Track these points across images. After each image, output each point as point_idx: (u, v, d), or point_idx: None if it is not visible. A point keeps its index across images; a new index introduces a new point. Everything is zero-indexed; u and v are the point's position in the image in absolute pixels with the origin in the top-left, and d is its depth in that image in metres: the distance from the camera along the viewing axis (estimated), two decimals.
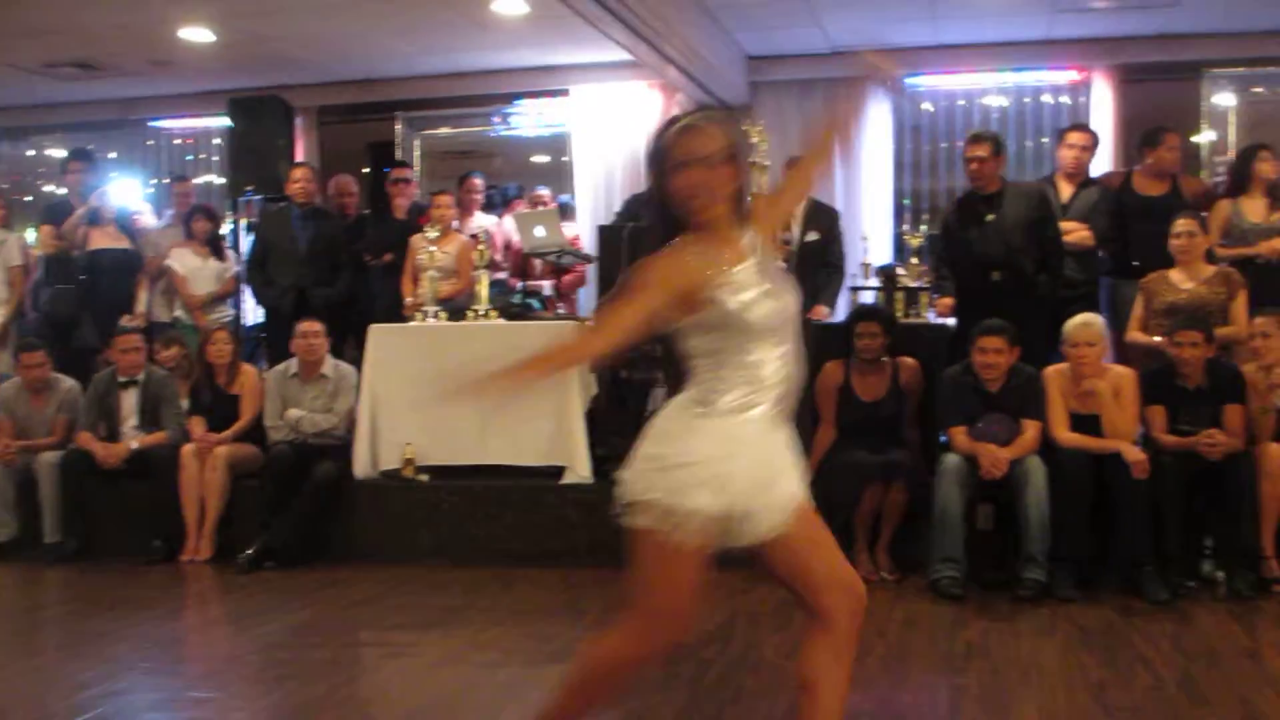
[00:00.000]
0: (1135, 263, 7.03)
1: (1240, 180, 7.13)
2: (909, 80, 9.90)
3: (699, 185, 2.66)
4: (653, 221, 2.80)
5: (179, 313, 8.46)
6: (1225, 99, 9.63)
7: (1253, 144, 7.43)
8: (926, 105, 10.12)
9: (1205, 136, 9.56)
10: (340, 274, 7.97)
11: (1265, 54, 9.30)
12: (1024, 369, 5.98)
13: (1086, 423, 5.89)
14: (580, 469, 6.61)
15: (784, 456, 2.81)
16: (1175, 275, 6.57)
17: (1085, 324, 5.95)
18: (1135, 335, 6.66)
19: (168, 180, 10.14)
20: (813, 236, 7.60)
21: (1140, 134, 7.58)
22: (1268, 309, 6.09)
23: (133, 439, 7.02)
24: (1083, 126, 7.82)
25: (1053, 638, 4.99)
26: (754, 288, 2.69)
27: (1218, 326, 6.17)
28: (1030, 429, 5.88)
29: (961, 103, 10.01)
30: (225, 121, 9.48)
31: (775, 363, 2.75)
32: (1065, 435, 5.87)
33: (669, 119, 2.79)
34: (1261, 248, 6.81)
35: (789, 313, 2.77)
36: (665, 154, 2.69)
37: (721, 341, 2.73)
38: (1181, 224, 6.55)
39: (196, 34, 8.99)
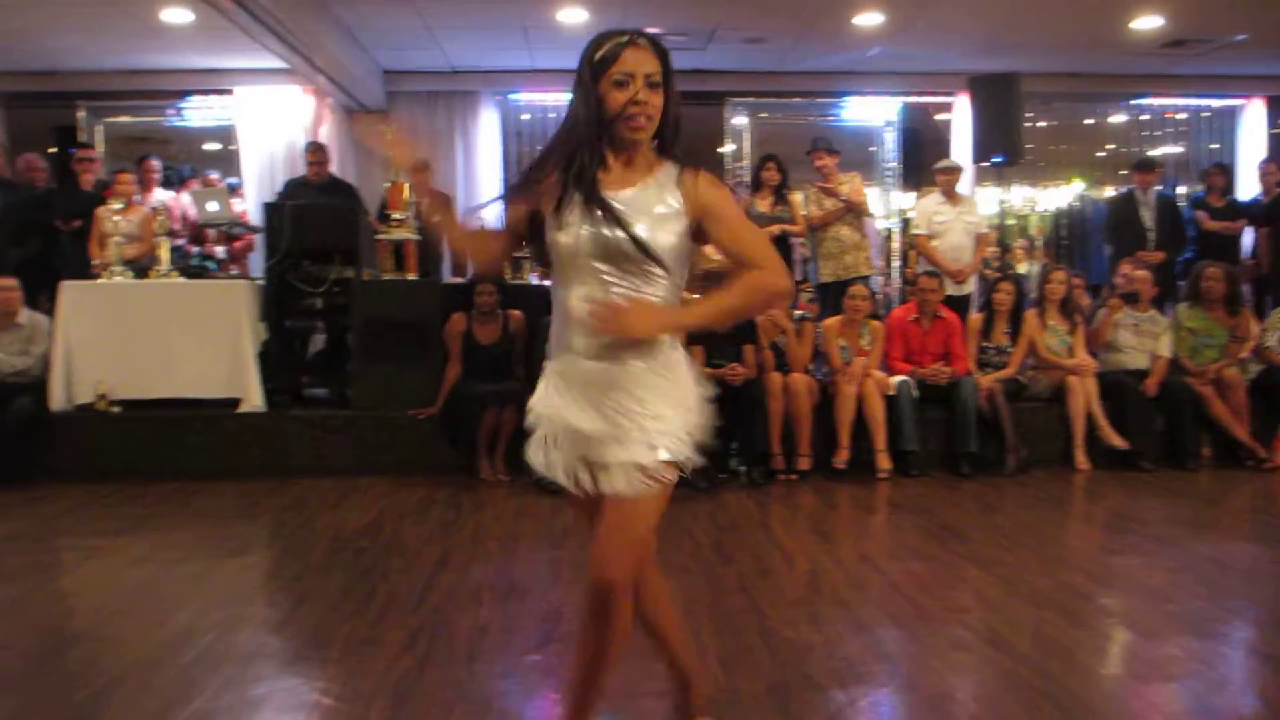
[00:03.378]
0: None
1: (755, 181, 7.79)
2: (511, 95, 10.17)
3: (639, 102, 2.11)
4: (584, 133, 2.15)
5: None
6: (741, 121, 10.40)
7: (763, 155, 7.94)
8: (525, 115, 10.34)
9: (728, 148, 10.28)
10: (30, 238, 7.43)
11: (771, 88, 10.21)
12: None
13: None
14: (253, 399, 6.55)
15: (581, 405, 2.22)
16: (708, 249, 7.13)
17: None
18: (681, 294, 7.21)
19: None
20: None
21: None
22: None
23: None
24: None
25: None
26: (578, 218, 2.16)
27: None
28: None
29: (552, 114, 10.24)
30: None
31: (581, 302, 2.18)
32: None
33: (606, 32, 2.17)
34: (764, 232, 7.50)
35: (608, 247, 2.15)
36: (606, 65, 2.12)
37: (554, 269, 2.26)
38: None
39: None
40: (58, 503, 5.72)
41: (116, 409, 6.46)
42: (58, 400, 6.43)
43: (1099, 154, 11.89)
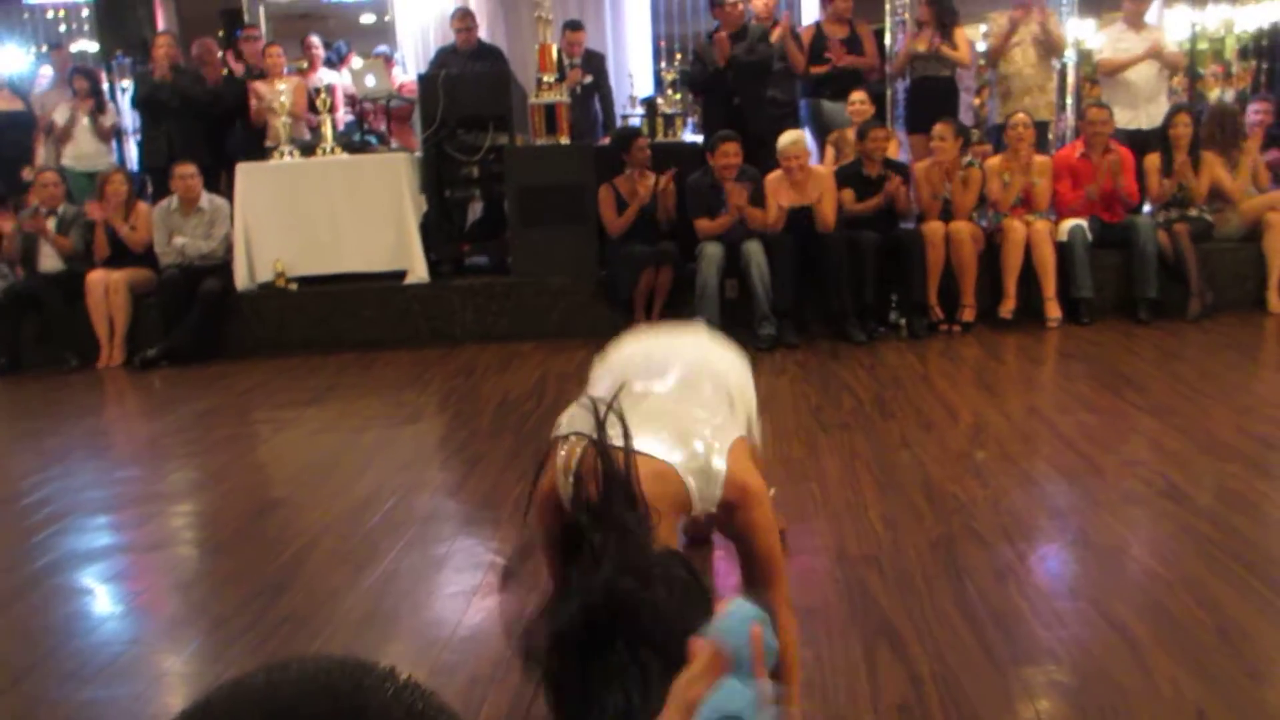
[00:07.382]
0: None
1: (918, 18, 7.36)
2: None
3: None
4: None
5: (66, 162, 8.04)
6: None
7: None
8: None
9: None
10: (205, 125, 7.68)
11: None
12: (749, 169, 6.12)
13: (802, 212, 6.06)
14: (419, 271, 6.74)
15: None
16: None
17: (793, 141, 6.13)
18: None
19: (46, 48, 9.45)
20: (589, 80, 7.76)
21: None
22: (943, 118, 6.43)
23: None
24: None
25: (783, 375, 5.33)
26: None
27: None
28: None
29: None
30: None
31: None
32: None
33: None
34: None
35: None
36: None
37: None
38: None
39: None
40: (249, 377, 6.07)
41: (294, 285, 6.77)
42: (242, 279, 6.74)
43: None
